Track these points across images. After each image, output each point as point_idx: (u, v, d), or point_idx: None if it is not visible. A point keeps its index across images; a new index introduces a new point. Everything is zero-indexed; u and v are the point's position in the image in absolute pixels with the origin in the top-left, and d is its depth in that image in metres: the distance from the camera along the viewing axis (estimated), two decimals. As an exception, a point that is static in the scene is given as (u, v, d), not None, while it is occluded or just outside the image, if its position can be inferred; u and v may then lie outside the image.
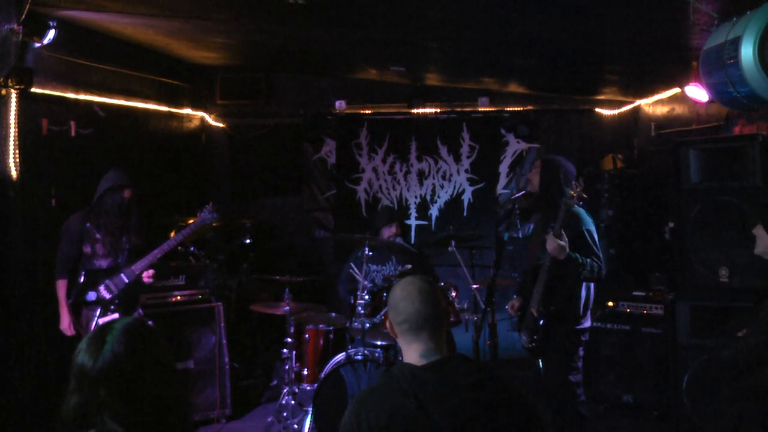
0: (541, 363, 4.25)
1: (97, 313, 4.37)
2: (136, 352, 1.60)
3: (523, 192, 4.46)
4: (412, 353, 2.11)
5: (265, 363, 6.20)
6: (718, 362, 3.81)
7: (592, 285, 4.18)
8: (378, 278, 5.37)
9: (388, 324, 2.19)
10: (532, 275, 4.22)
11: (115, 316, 4.40)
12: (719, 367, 3.77)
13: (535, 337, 4.14)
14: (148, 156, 6.22)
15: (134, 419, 1.55)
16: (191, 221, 5.03)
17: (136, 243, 4.62)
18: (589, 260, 3.97)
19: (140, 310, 4.69)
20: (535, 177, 4.32)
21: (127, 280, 4.45)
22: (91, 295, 4.39)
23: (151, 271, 4.55)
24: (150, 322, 4.64)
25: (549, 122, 7.33)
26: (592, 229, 4.14)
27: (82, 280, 4.40)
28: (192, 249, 5.87)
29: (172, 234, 4.98)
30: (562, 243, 3.89)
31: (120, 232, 4.52)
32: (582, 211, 4.18)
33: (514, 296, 4.49)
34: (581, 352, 4.17)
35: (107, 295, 4.40)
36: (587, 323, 4.19)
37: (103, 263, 4.47)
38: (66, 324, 4.41)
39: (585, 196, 4.06)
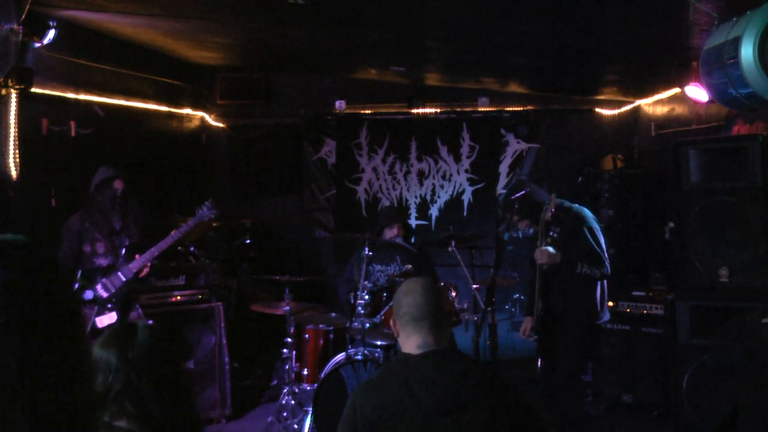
0: (540, 363, 4.27)
1: (94, 311, 4.36)
2: (163, 346, 1.76)
3: (523, 192, 4.47)
4: (410, 345, 2.14)
5: (265, 363, 6.20)
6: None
7: (605, 282, 4.21)
8: (381, 278, 5.39)
9: (391, 322, 2.22)
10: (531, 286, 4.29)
11: (113, 314, 4.39)
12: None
13: (535, 336, 4.20)
14: (148, 156, 6.22)
15: (153, 408, 1.65)
16: (191, 220, 5.01)
17: (136, 237, 4.59)
18: (580, 262, 3.99)
19: (139, 310, 4.67)
20: (522, 223, 4.38)
21: (124, 279, 4.43)
22: (88, 294, 4.38)
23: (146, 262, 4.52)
24: (150, 322, 4.64)
25: (549, 122, 7.33)
26: (595, 226, 4.16)
27: (73, 277, 4.39)
28: (192, 249, 5.86)
29: (172, 233, 4.96)
30: (547, 249, 3.94)
31: (120, 226, 4.51)
32: (584, 209, 4.21)
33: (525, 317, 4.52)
34: (593, 353, 4.20)
35: (104, 294, 4.39)
36: (605, 317, 4.22)
37: (103, 262, 4.47)
38: None
39: (553, 210, 4.12)
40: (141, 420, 1.63)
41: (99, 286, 4.40)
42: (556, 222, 4.12)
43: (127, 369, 1.66)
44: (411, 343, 2.13)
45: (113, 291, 4.40)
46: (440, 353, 2.09)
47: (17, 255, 1.12)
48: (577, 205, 4.24)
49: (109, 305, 4.39)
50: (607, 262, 4.06)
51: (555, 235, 4.08)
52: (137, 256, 4.49)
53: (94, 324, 4.35)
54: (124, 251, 4.53)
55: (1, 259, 1.09)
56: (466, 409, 1.97)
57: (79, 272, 4.40)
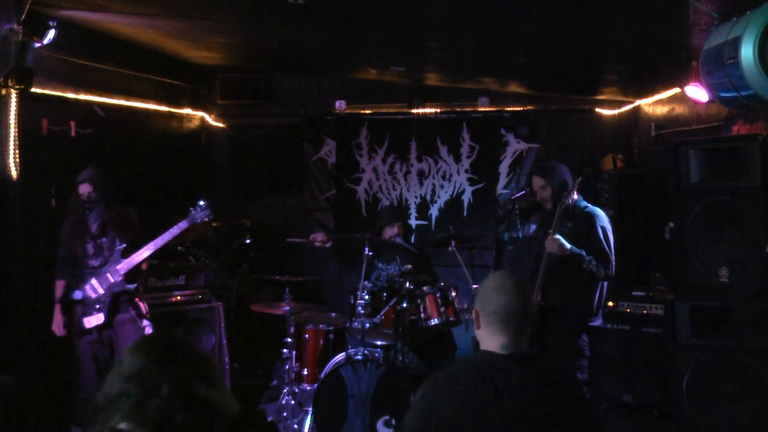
0: None
1: (82, 311, 4.35)
2: (200, 361, 1.77)
3: (523, 192, 4.49)
4: (493, 344, 2.08)
5: (265, 363, 6.20)
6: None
7: (605, 284, 4.23)
8: (382, 275, 5.40)
9: (474, 313, 2.15)
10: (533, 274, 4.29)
11: (100, 315, 4.36)
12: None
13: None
14: (148, 156, 6.22)
15: (176, 418, 1.64)
16: (182, 222, 4.92)
17: (121, 239, 4.52)
18: (591, 257, 4.02)
19: (132, 312, 4.51)
20: (545, 191, 4.36)
21: (112, 279, 4.40)
22: (77, 294, 4.37)
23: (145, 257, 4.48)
24: (148, 323, 4.62)
25: (549, 122, 7.33)
26: (607, 227, 4.21)
27: (71, 279, 4.39)
28: (192, 249, 5.86)
29: (162, 236, 4.89)
30: (559, 238, 3.96)
31: (95, 229, 4.46)
32: (597, 210, 4.26)
33: None
34: (587, 352, 4.21)
35: (92, 295, 4.37)
36: (598, 321, 4.24)
37: (94, 263, 4.45)
38: (55, 325, 4.40)
39: (577, 195, 4.16)
40: (158, 428, 1.62)
41: (88, 287, 4.39)
42: (570, 216, 4.16)
43: (161, 379, 1.66)
44: (494, 342, 2.07)
45: (101, 292, 4.38)
46: (526, 358, 2.05)
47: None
48: (592, 205, 4.30)
49: (98, 306, 4.37)
50: (612, 265, 4.10)
51: (566, 229, 4.11)
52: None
53: (81, 324, 4.34)
54: (116, 252, 4.48)
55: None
56: (546, 419, 1.93)
57: (72, 271, 4.41)
